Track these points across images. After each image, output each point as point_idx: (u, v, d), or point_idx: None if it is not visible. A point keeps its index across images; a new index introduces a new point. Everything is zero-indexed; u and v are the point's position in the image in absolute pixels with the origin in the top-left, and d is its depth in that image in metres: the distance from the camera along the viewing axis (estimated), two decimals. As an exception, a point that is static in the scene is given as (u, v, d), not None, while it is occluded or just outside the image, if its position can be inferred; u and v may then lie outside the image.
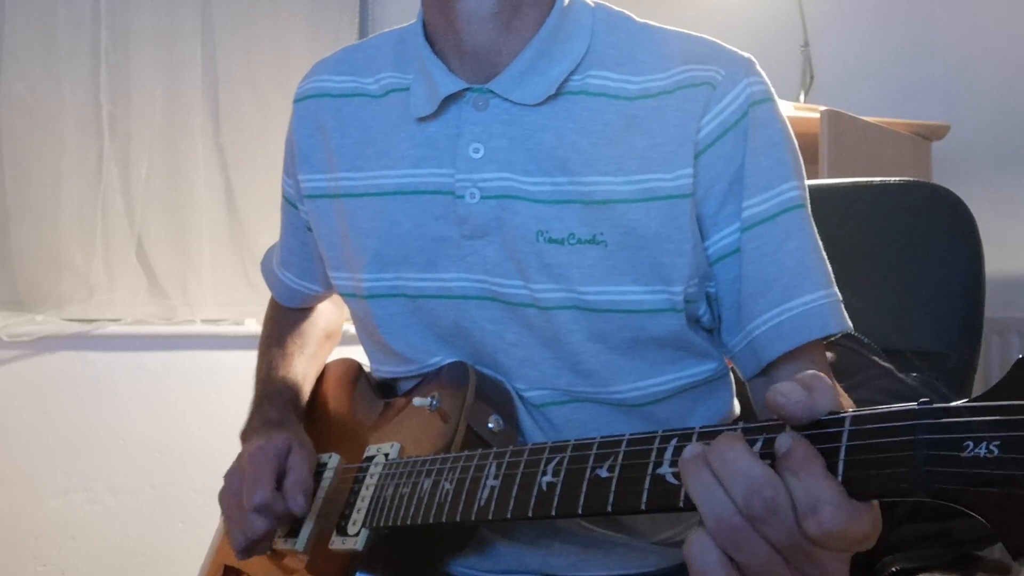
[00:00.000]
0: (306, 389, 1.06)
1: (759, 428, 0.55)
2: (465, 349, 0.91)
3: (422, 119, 0.89)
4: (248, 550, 0.88)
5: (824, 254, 0.87)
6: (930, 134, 2.05)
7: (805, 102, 2.24)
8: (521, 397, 0.90)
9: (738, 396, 1.00)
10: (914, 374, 1.09)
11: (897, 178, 1.23)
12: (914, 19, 2.37)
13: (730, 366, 0.97)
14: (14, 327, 2.17)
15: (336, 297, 1.17)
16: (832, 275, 0.87)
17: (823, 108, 1.83)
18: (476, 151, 0.86)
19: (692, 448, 0.54)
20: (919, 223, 1.19)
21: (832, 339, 0.87)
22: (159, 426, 2.26)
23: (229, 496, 0.91)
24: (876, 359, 1.10)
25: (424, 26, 0.91)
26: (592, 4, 0.91)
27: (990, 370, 2.13)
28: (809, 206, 0.87)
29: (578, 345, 0.85)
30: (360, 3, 2.44)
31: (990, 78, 2.29)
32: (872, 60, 2.37)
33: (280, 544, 0.92)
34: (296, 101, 0.99)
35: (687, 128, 0.83)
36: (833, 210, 0.86)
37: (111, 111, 2.26)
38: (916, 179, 1.24)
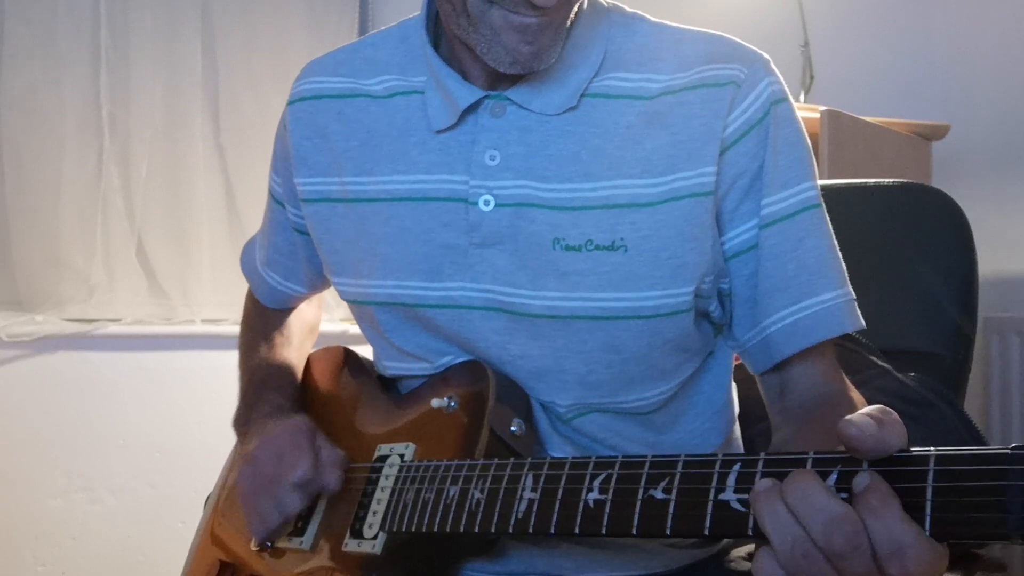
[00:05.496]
0: (297, 381, 1.05)
1: (832, 460, 0.55)
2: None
3: (440, 131, 0.87)
4: (278, 531, 0.87)
5: (839, 253, 0.87)
6: (930, 134, 2.05)
7: (805, 102, 2.24)
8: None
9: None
10: (912, 374, 1.09)
11: (891, 179, 1.23)
12: (914, 19, 2.37)
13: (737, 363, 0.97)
14: (14, 327, 2.17)
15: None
16: (846, 274, 0.87)
17: (823, 108, 1.83)
18: (492, 158, 0.85)
19: (765, 482, 0.55)
20: (912, 224, 1.19)
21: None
22: (159, 426, 2.25)
23: (258, 475, 0.87)
24: (875, 359, 1.10)
25: (427, 29, 0.89)
26: (607, 4, 0.90)
27: (990, 370, 2.13)
28: (824, 206, 0.87)
29: (591, 355, 0.84)
30: (360, 3, 2.44)
31: (990, 78, 2.29)
32: (872, 60, 2.37)
33: (284, 542, 0.90)
34: (291, 103, 0.96)
35: (713, 126, 0.83)
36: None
37: (111, 111, 2.26)
38: (909, 180, 1.24)
